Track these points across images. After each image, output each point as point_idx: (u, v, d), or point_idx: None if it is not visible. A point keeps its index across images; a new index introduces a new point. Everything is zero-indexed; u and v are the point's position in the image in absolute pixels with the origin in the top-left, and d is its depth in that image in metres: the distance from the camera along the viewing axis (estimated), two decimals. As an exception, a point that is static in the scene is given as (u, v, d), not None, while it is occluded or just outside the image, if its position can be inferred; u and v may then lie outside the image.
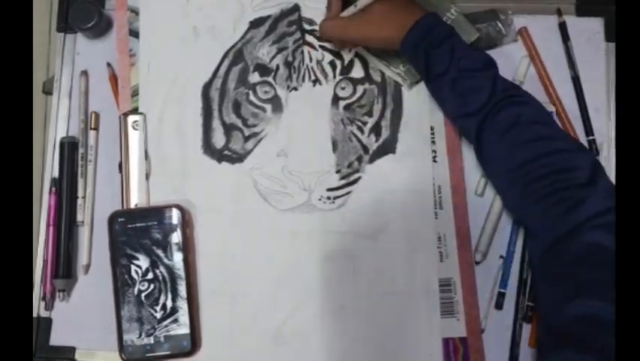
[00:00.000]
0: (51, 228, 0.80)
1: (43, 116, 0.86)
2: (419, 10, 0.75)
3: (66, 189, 0.81)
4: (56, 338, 0.79)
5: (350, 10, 0.77)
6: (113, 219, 0.77)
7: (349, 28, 0.76)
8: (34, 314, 0.79)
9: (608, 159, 0.82)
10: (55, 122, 0.83)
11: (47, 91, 0.85)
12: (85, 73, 0.84)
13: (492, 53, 0.83)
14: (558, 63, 0.84)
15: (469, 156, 0.81)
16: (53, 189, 0.81)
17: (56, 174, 0.82)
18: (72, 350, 0.79)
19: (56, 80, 0.84)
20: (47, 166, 0.82)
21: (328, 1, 0.81)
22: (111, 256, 0.76)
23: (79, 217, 0.81)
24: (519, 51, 0.84)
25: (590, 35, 0.85)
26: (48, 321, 0.80)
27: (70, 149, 0.81)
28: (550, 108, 0.81)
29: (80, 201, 0.81)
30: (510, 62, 0.84)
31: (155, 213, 0.77)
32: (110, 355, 0.77)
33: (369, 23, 0.75)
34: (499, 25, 0.83)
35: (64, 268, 0.79)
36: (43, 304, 0.79)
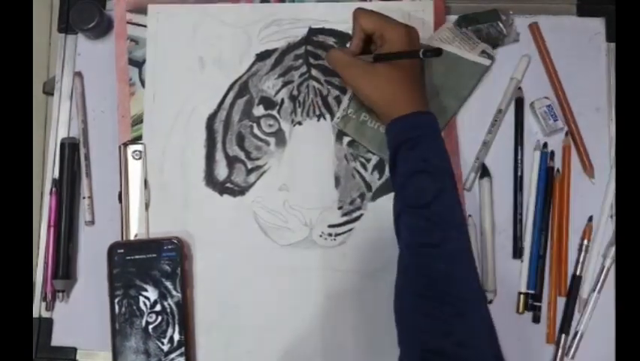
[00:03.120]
0: (51, 228, 0.80)
1: (43, 116, 0.86)
2: (419, 100, 0.72)
3: (66, 189, 0.81)
4: (57, 339, 0.80)
5: (365, 57, 0.75)
6: (111, 250, 0.76)
7: (349, 70, 0.74)
8: (36, 315, 0.80)
9: (610, 158, 0.82)
10: (56, 122, 0.83)
11: (48, 91, 0.85)
12: (79, 74, 0.84)
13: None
14: (558, 63, 0.83)
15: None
16: (54, 189, 0.81)
17: (57, 174, 0.82)
18: (73, 350, 0.79)
19: (57, 81, 0.84)
20: (48, 167, 0.82)
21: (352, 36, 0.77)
22: (109, 287, 0.76)
23: (87, 217, 0.81)
24: (521, 51, 0.84)
25: (591, 35, 0.84)
26: (49, 321, 0.80)
27: (70, 150, 0.81)
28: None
29: (87, 202, 0.81)
30: (512, 62, 0.84)
31: (154, 245, 0.77)
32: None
33: (369, 77, 0.73)
34: (501, 25, 0.82)
35: (64, 269, 0.79)
36: (44, 304, 0.80)
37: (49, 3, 0.88)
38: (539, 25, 0.84)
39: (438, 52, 0.69)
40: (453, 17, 0.84)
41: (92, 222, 0.82)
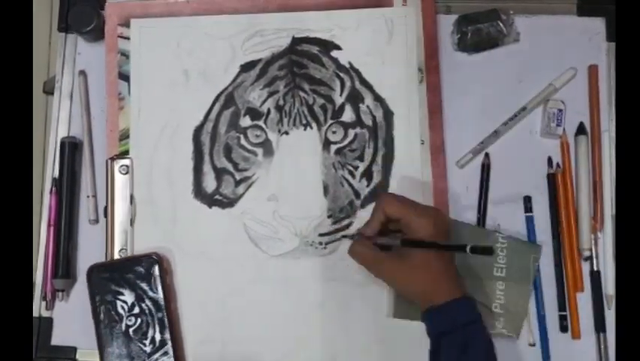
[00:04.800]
0: (51, 228, 0.80)
1: (44, 116, 0.86)
2: (453, 286, 0.70)
3: (66, 188, 0.81)
4: (57, 338, 0.80)
5: (389, 241, 0.72)
6: (91, 272, 0.76)
7: (378, 266, 0.72)
8: (36, 314, 0.80)
9: (610, 158, 0.82)
10: (56, 122, 0.84)
11: (48, 91, 0.86)
12: (83, 73, 0.84)
13: (494, 52, 0.84)
14: (558, 63, 0.83)
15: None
16: (54, 189, 0.81)
17: (57, 173, 0.82)
18: (73, 349, 0.80)
19: (57, 80, 0.84)
20: (48, 166, 0.82)
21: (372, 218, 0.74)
22: (92, 308, 0.76)
23: (91, 216, 0.81)
24: (521, 51, 0.84)
25: (592, 35, 0.84)
26: (49, 321, 0.80)
27: (70, 149, 0.81)
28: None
29: (92, 200, 0.81)
30: (512, 61, 0.84)
31: (133, 264, 0.77)
32: (111, 354, 0.77)
33: (407, 273, 0.70)
34: (501, 24, 0.82)
35: (63, 268, 0.79)
36: (44, 304, 0.80)
37: (50, 3, 0.88)
38: (538, 25, 0.84)
39: (489, 251, 0.66)
40: (453, 17, 0.84)
41: (97, 220, 0.82)
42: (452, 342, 0.68)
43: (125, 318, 0.76)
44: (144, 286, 0.76)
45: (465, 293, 0.70)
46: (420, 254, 0.70)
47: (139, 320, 0.76)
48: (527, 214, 0.81)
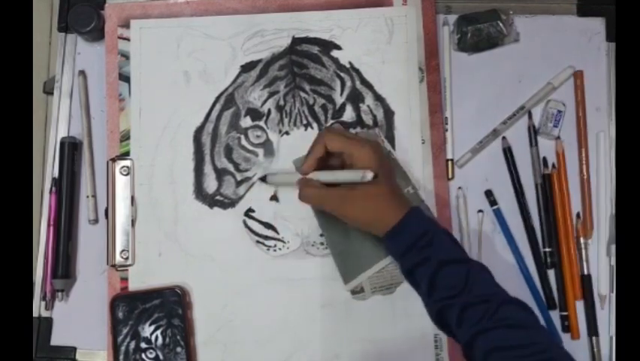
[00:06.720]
0: (51, 227, 0.80)
1: (43, 116, 0.86)
2: (403, 203, 0.71)
3: (66, 188, 0.81)
4: (57, 338, 0.80)
5: (327, 177, 0.72)
6: (113, 303, 0.77)
7: (328, 201, 0.72)
8: (35, 314, 0.80)
9: (609, 158, 0.82)
10: (55, 122, 0.84)
11: (48, 91, 0.86)
12: (83, 73, 0.84)
13: (494, 52, 0.84)
14: (557, 63, 0.84)
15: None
16: (54, 188, 0.81)
17: (57, 173, 0.82)
18: (73, 350, 0.80)
19: (57, 80, 0.84)
20: (48, 166, 0.82)
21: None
22: (112, 338, 0.76)
23: (91, 216, 0.81)
24: (521, 51, 0.84)
25: (591, 35, 0.84)
26: (49, 321, 0.80)
27: (70, 149, 0.81)
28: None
29: (91, 200, 0.82)
30: (512, 61, 0.84)
31: (155, 296, 0.77)
32: (111, 355, 0.77)
33: (350, 202, 0.70)
34: (501, 25, 0.82)
35: (63, 268, 0.79)
36: (43, 304, 0.80)
37: (50, 3, 0.88)
38: (537, 25, 0.84)
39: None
40: (452, 17, 0.84)
41: (97, 220, 0.82)
42: (417, 256, 0.68)
43: (144, 350, 0.76)
44: (165, 318, 0.76)
45: (411, 205, 0.71)
46: (361, 187, 0.69)
47: (159, 353, 0.76)
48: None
